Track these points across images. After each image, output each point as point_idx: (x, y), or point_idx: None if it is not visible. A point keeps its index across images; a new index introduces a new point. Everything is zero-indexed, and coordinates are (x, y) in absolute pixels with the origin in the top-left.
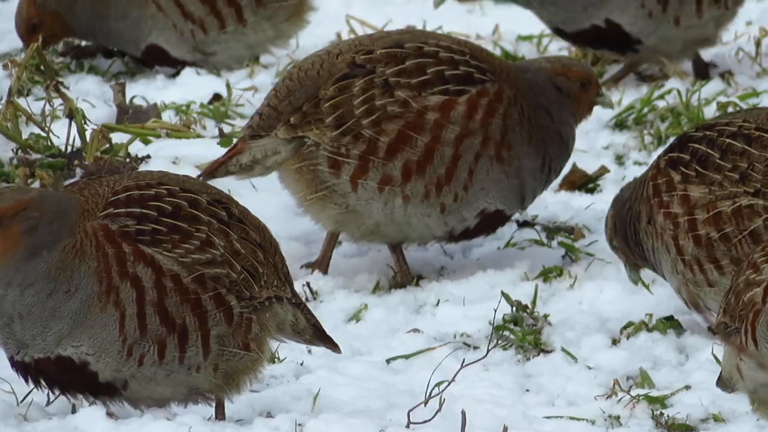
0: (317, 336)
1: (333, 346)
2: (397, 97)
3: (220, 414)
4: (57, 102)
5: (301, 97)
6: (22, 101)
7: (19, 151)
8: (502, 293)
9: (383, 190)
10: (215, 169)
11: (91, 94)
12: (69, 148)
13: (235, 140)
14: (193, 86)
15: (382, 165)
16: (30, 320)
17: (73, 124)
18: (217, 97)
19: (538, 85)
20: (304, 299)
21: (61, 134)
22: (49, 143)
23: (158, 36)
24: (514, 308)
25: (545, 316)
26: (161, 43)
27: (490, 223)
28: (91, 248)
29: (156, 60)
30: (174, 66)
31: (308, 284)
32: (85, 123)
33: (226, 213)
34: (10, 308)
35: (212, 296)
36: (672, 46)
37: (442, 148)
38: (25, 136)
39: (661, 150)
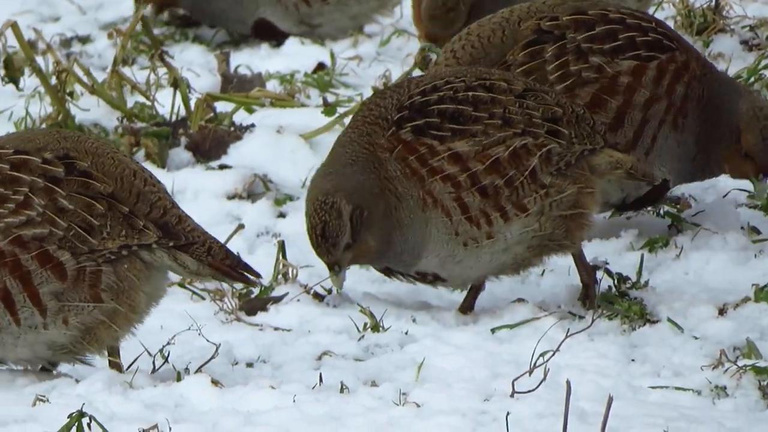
0: (224, 274)
1: (248, 281)
2: (591, 63)
3: (114, 366)
4: (161, 71)
5: (488, 64)
6: (126, 71)
7: (124, 119)
8: (601, 266)
9: None
10: None
11: (196, 63)
12: (173, 117)
13: (339, 109)
14: (297, 56)
15: None
16: None
17: (177, 93)
18: (321, 66)
19: (723, 98)
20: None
21: (166, 103)
22: (154, 112)
23: (266, 10)
24: (617, 280)
25: (651, 287)
26: (269, 17)
27: (657, 193)
28: None
29: (265, 34)
30: (281, 39)
31: None
32: (190, 92)
33: (65, 169)
34: None
35: (35, 255)
36: None
37: (633, 112)
38: (129, 105)
39: None
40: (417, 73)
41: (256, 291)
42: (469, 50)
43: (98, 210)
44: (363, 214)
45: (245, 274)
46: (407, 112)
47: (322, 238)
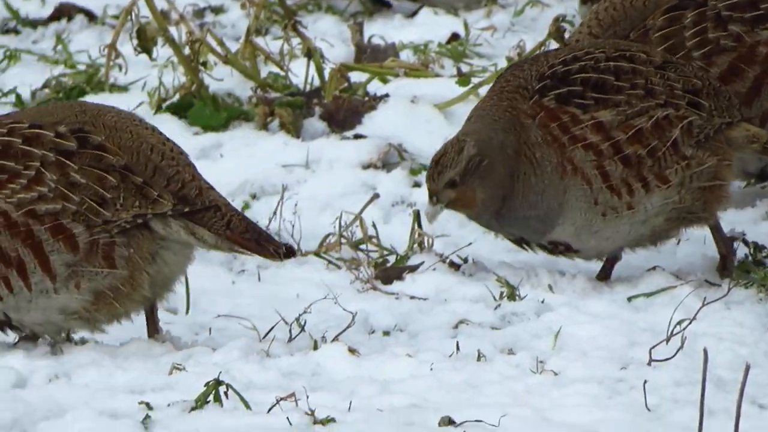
0: (243, 247)
1: (267, 254)
2: (730, 31)
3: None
4: (295, 41)
5: (627, 27)
6: (260, 41)
7: (258, 89)
8: (738, 236)
9: None
10: None
11: (329, 33)
12: (307, 87)
13: (473, 80)
14: (431, 26)
15: None
16: None
17: (311, 63)
18: (454, 36)
19: None
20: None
21: (300, 73)
22: (288, 82)
23: None
24: (753, 249)
25: None
26: None
27: None
28: None
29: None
30: (415, 1)
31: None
32: (323, 62)
33: (77, 143)
34: None
35: (49, 228)
36: None
37: None
38: (263, 75)
39: None
40: (552, 43)
41: (392, 260)
42: (611, 12)
43: (110, 182)
44: (482, 162)
45: (265, 246)
46: (549, 81)
47: (435, 164)
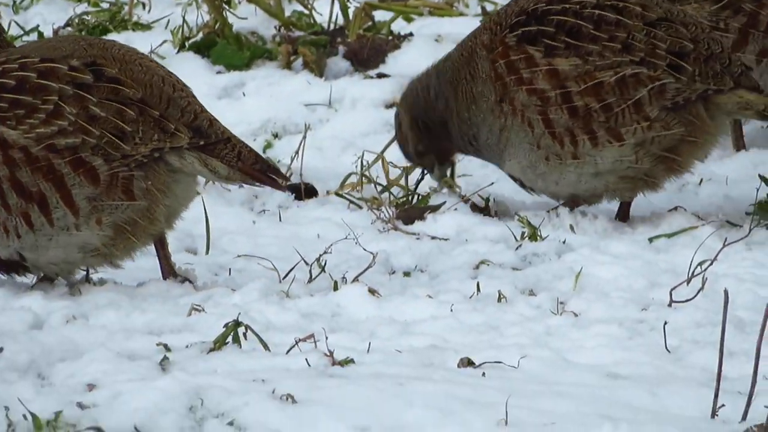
0: (254, 178)
1: (276, 185)
2: None
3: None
4: None
5: None
6: None
7: (282, 28)
8: (760, 176)
9: (761, 63)
10: None
11: None
12: (331, 26)
13: None
14: None
15: (762, 38)
16: None
17: (335, 1)
18: None
19: None
20: None
21: (324, 12)
22: (312, 21)
23: None
24: None
25: None
26: None
27: None
28: None
29: None
30: None
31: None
32: (348, 1)
33: (93, 76)
34: None
35: (69, 161)
36: None
37: None
38: (287, 13)
39: None
40: None
41: (415, 200)
42: None
43: (129, 116)
44: (419, 123)
45: (274, 177)
46: (524, 17)
47: (399, 148)
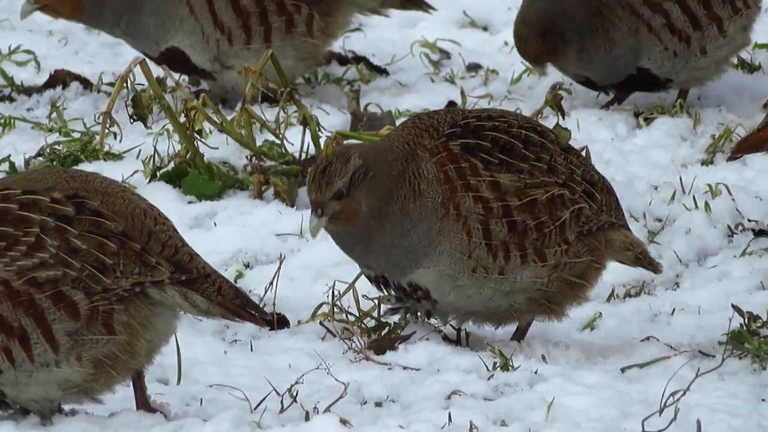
0: (234, 314)
1: (256, 321)
2: None
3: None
4: (291, 109)
5: None
6: (255, 108)
7: (253, 158)
8: (733, 306)
9: None
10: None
11: (326, 101)
12: (303, 156)
13: None
14: (427, 93)
15: None
16: None
17: (307, 131)
18: (451, 104)
19: None
20: None
21: (295, 141)
22: (283, 150)
23: (183, 40)
24: (747, 319)
25: None
26: (184, 48)
27: None
28: None
29: (173, 63)
30: (190, 73)
31: None
32: (320, 130)
33: (75, 208)
34: None
35: (49, 295)
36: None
37: None
38: (259, 143)
39: None
40: (549, 111)
41: (385, 330)
42: None
43: (111, 248)
44: (368, 175)
45: (254, 314)
46: (460, 129)
47: (321, 175)
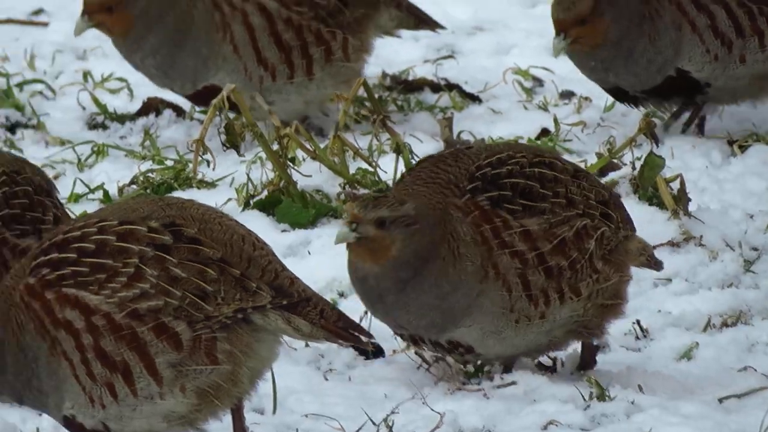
0: (337, 336)
1: (360, 342)
2: None
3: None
4: (384, 136)
5: None
6: (348, 135)
7: (347, 185)
8: None
9: None
10: None
11: (419, 128)
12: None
13: None
14: (521, 121)
15: None
16: None
17: (400, 158)
18: (545, 132)
19: None
20: (634, 337)
21: (389, 169)
22: (377, 178)
23: (224, 77)
24: None
25: None
26: (223, 85)
27: None
28: (22, 311)
29: (208, 101)
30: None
31: (638, 321)
32: (412, 157)
33: (172, 236)
34: None
35: (152, 328)
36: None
37: None
38: (352, 171)
39: None
40: (642, 139)
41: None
42: None
43: (210, 275)
44: (413, 225)
45: (357, 335)
46: (480, 183)
47: (374, 200)
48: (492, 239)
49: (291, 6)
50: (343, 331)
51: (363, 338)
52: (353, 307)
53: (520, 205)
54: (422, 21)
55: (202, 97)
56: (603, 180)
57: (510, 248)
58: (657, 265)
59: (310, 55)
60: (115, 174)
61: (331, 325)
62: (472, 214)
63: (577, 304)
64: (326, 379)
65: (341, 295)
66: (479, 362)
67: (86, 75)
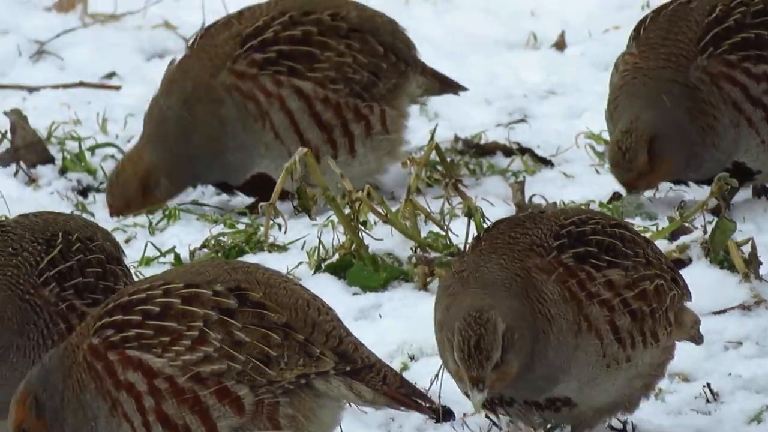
0: (399, 402)
1: (423, 409)
2: None
3: None
4: (456, 200)
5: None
6: (420, 199)
7: (418, 249)
8: None
9: None
10: None
11: (491, 192)
12: (467, 247)
13: None
14: (593, 185)
15: None
16: None
17: (471, 222)
18: (616, 196)
19: None
20: (704, 400)
21: (460, 233)
22: (448, 242)
23: (269, 164)
24: None
25: None
26: (270, 172)
27: None
28: (84, 370)
29: (259, 189)
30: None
31: (708, 384)
32: (484, 221)
33: (237, 301)
34: None
35: (214, 392)
36: None
37: None
38: (423, 234)
39: None
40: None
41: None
42: None
43: (275, 340)
44: (513, 336)
45: (420, 403)
46: (567, 240)
47: (476, 350)
48: (580, 292)
49: (326, 85)
50: (405, 397)
51: (424, 404)
52: (424, 371)
53: (605, 261)
54: (446, 84)
55: (251, 186)
56: (674, 243)
57: (597, 297)
58: (701, 339)
59: (351, 132)
60: (186, 237)
61: (393, 391)
62: (556, 272)
63: (655, 351)
64: None
65: (412, 358)
66: (571, 413)
67: None
